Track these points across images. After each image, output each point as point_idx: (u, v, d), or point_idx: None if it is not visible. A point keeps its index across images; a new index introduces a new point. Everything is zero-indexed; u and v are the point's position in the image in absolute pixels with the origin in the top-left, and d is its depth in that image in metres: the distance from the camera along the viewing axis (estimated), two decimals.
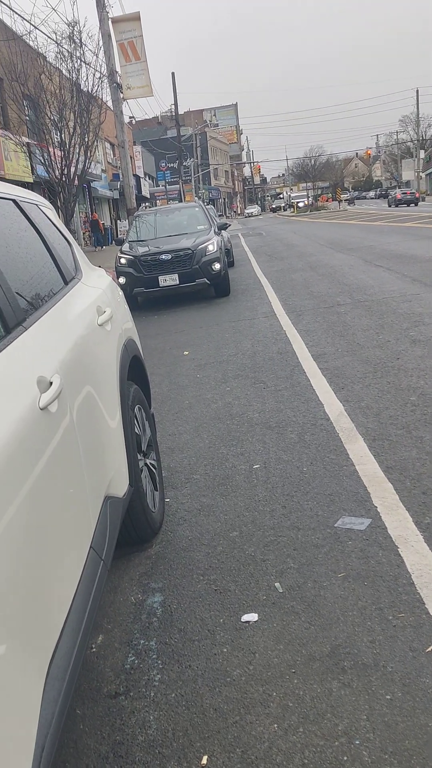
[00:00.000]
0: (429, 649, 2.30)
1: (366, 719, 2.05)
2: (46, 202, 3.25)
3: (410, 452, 3.87)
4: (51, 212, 3.19)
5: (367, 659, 2.30)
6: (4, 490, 1.52)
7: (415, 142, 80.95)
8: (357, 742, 1.97)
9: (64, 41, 15.77)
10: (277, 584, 2.80)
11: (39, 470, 1.75)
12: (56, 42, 15.81)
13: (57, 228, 3.15)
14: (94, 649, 2.59)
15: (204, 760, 1.98)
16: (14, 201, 2.62)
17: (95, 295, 3.11)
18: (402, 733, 1.98)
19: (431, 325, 7.10)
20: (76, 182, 16.11)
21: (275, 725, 2.08)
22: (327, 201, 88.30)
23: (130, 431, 2.99)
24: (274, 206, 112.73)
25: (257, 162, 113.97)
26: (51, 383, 1.99)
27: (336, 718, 2.07)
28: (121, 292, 3.85)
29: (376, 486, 3.51)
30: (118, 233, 34.19)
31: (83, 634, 1.87)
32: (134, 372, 3.47)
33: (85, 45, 16.19)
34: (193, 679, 2.33)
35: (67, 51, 15.77)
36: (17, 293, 2.17)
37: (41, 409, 1.86)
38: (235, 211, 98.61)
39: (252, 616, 2.62)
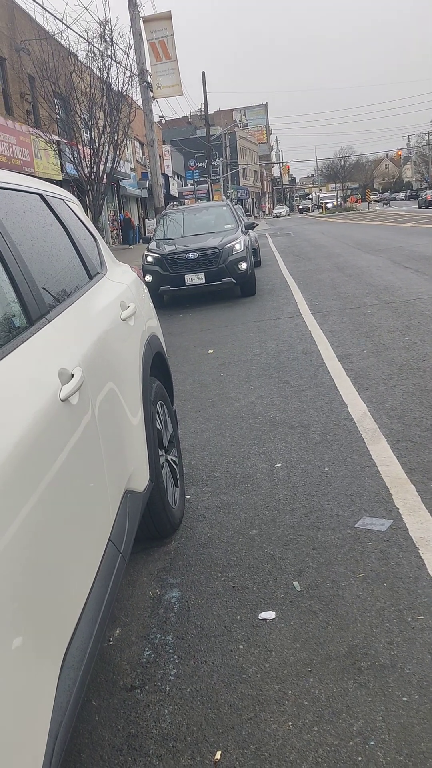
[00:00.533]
0: None
1: (382, 720, 2.03)
2: (73, 197, 3.27)
3: None
4: (77, 207, 3.21)
5: (384, 660, 2.28)
6: (25, 478, 1.54)
7: None
8: (372, 743, 1.95)
9: (95, 40, 15.86)
10: (295, 583, 2.79)
11: (59, 460, 1.76)
12: (88, 41, 15.90)
13: (83, 223, 3.17)
14: (111, 642, 2.60)
15: (217, 756, 1.98)
16: (40, 195, 2.64)
17: (119, 291, 3.13)
18: (418, 736, 1.96)
19: None
20: (105, 180, 16.19)
21: (290, 723, 2.07)
22: (356, 202, 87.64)
23: (152, 427, 3.00)
24: (301, 207, 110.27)
25: (286, 162, 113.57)
26: (72, 375, 2.00)
27: (351, 718, 2.06)
28: (145, 289, 3.86)
29: (398, 487, 3.48)
30: (146, 231, 34.35)
31: (100, 624, 1.88)
32: (157, 368, 3.48)
33: (116, 44, 16.26)
34: (208, 675, 2.33)
35: (98, 50, 15.86)
36: (42, 286, 2.19)
37: (62, 400, 1.87)
38: (263, 211, 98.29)
39: (269, 614, 2.61)
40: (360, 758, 1.91)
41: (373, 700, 2.12)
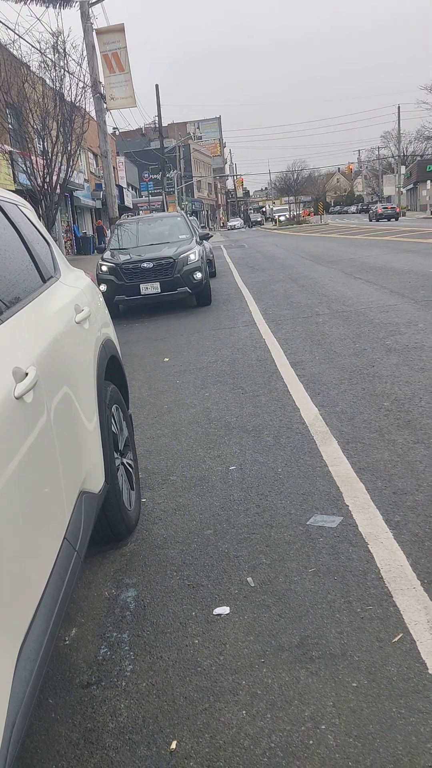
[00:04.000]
0: (395, 639, 2.36)
1: (332, 705, 2.10)
2: (26, 203, 3.29)
3: (382, 454, 3.94)
4: (30, 212, 3.24)
5: (334, 649, 2.35)
6: None
7: (396, 158, 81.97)
8: (323, 727, 2.02)
9: (48, 51, 15.84)
10: (249, 579, 2.85)
11: (13, 457, 1.79)
12: (40, 51, 15.87)
13: (36, 228, 3.19)
14: (67, 642, 2.61)
15: (173, 745, 2.02)
16: None
17: (73, 294, 3.16)
18: (366, 719, 2.03)
19: (407, 334, 7.22)
20: (58, 191, 16.13)
21: (243, 712, 2.12)
22: (309, 215, 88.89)
23: (107, 429, 3.03)
24: (252, 220, 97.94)
25: (240, 175, 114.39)
26: (27, 374, 2.03)
27: (303, 704, 2.12)
28: (100, 294, 3.90)
29: (348, 486, 3.58)
30: (101, 242, 34.24)
31: (55, 619, 1.91)
32: (112, 372, 3.51)
33: (68, 55, 16.25)
34: (164, 669, 2.37)
35: (51, 60, 15.83)
36: None
37: (17, 398, 1.90)
38: (221, 223, 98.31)
39: (224, 609, 2.66)
40: (311, 741, 1.97)
41: (324, 687, 2.19)
